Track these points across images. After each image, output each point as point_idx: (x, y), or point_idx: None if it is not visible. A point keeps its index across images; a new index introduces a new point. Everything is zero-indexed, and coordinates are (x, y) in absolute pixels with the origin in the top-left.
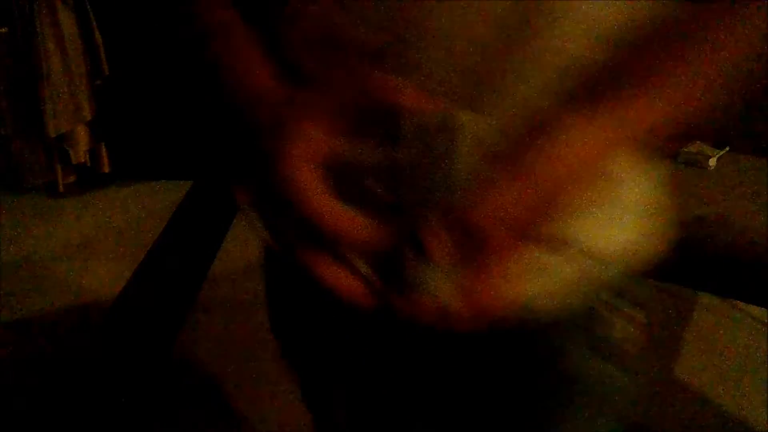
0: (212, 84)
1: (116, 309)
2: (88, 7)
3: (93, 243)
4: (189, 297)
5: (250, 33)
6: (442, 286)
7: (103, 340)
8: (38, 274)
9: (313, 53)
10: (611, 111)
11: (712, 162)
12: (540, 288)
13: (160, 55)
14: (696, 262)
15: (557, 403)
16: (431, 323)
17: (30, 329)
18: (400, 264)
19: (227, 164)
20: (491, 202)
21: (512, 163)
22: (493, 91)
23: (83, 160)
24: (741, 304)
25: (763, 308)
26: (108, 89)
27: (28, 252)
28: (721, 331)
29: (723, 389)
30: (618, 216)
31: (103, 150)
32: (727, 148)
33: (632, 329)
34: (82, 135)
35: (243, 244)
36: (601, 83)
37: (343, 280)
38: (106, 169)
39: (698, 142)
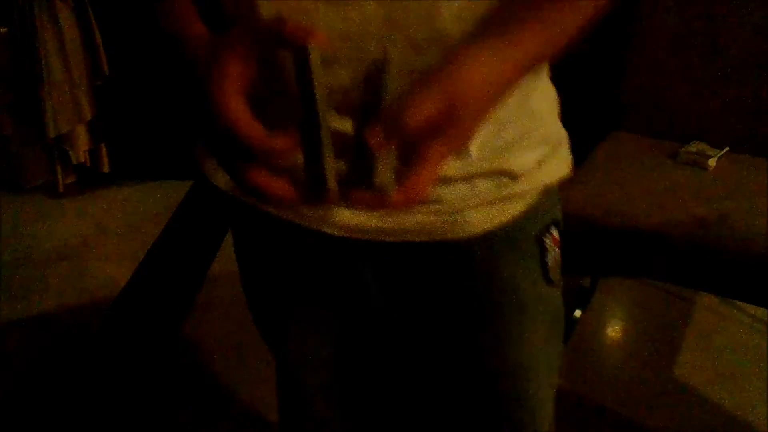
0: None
1: (116, 309)
2: (88, 7)
3: (93, 243)
4: (189, 297)
5: None
6: (383, 177)
7: (103, 339)
8: (38, 274)
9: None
10: (504, 42)
11: (712, 162)
12: (460, 198)
13: (159, 55)
14: (696, 262)
15: (493, 314)
16: (371, 205)
17: (30, 329)
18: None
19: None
20: (416, 112)
21: (431, 82)
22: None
23: (83, 161)
24: (741, 304)
25: (763, 308)
26: (108, 89)
27: (28, 252)
28: (721, 331)
29: (723, 389)
30: (527, 136)
31: (103, 150)
32: (727, 148)
33: (557, 250)
34: (82, 135)
35: None
36: (492, 22)
37: (268, 182)
38: (106, 169)
39: (698, 142)
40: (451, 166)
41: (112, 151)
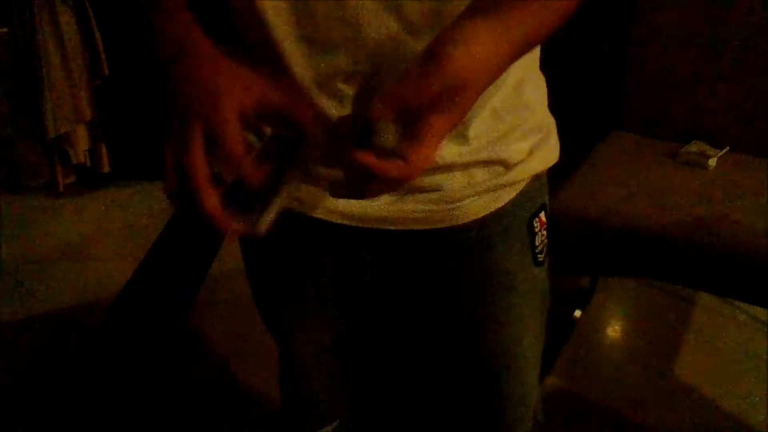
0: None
1: (116, 309)
2: (88, 7)
3: (93, 243)
4: (189, 297)
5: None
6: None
7: (103, 339)
8: (38, 274)
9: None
10: (498, 22)
11: (712, 162)
12: (456, 181)
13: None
14: (696, 262)
15: (487, 295)
16: (381, 173)
17: (30, 329)
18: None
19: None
20: (417, 88)
21: (430, 60)
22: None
23: (83, 160)
24: (741, 304)
25: (763, 308)
26: (108, 89)
27: (28, 252)
28: (721, 331)
29: (723, 389)
30: (520, 126)
31: (103, 150)
32: (727, 148)
33: (544, 233)
34: (81, 135)
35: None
36: (486, 2)
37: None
38: (106, 169)
39: (698, 142)
40: (451, 154)
41: (112, 151)
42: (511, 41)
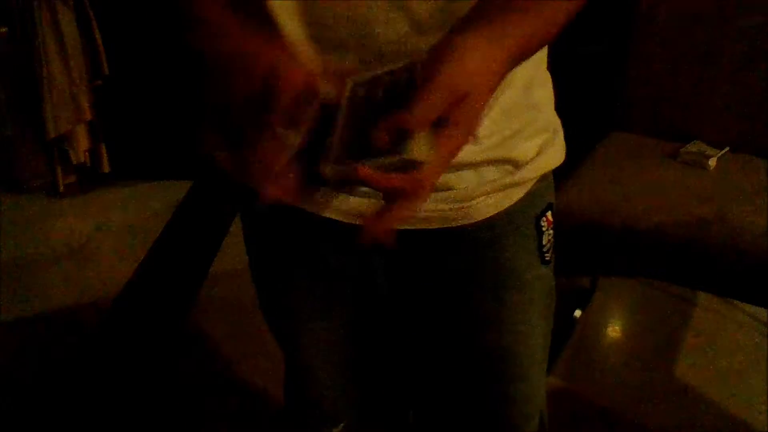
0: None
1: (116, 309)
2: (88, 7)
3: (93, 243)
4: (189, 297)
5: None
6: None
7: (103, 340)
8: (38, 274)
9: None
10: (497, 30)
11: (712, 162)
12: (472, 184)
13: (159, 56)
14: (696, 262)
15: (496, 294)
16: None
17: (30, 329)
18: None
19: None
20: (425, 108)
21: (434, 75)
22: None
23: (83, 161)
24: (741, 304)
25: (763, 308)
26: (108, 89)
27: (28, 252)
28: (721, 331)
29: (723, 389)
30: (529, 125)
31: (103, 150)
32: (727, 148)
33: (551, 231)
34: (81, 135)
35: (243, 245)
36: (483, 10)
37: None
38: (106, 169)
39: (698, 142)
40: (463, 153)
41: (112, 151)
42: (511, 48)
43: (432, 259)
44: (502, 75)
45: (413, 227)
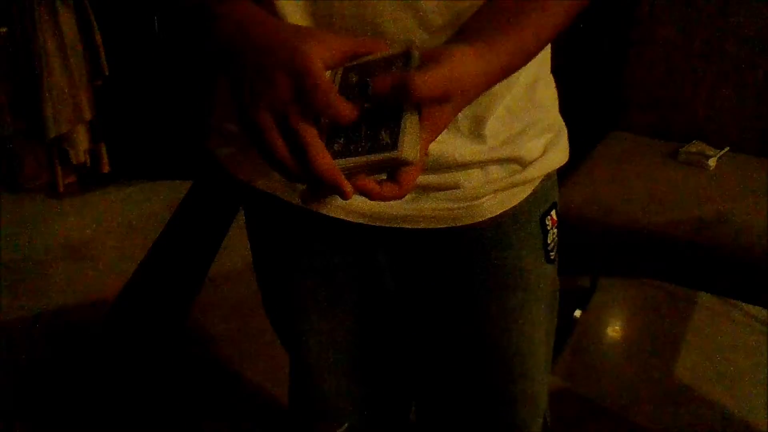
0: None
1: (116, 309)
2: (88, 7)
3: (93, 243)
4: (189, 297)
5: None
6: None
7: (103, 339)
8: (38, 274)
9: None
10: (488, 47)
11: (712, 162)
12: (476, 182)
13: (159, 56)
14: (696, 262)
15: (501, 294)
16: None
17: (30, 329)
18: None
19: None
20: (425, 81)
21: (437, 66)
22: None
23: (83, 161)
24: (741, 304)
25: (763, 308)
26: (108, 89)
27: (28, 252)
28: (721, 331)
29: (723, 389)
30: (534, 125)
31: (103, 150)
32: (727, 148)
33: (555, 231)
34: (81, 135)
35: (243, 244)
36: (478, 25)
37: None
38: (106, 169)
39: (698, 142)
40: (468, 152)
41: (112, 151)
42: (497, 64)
43: (437, 257)
44: (489, 85)
45: (419, 226)
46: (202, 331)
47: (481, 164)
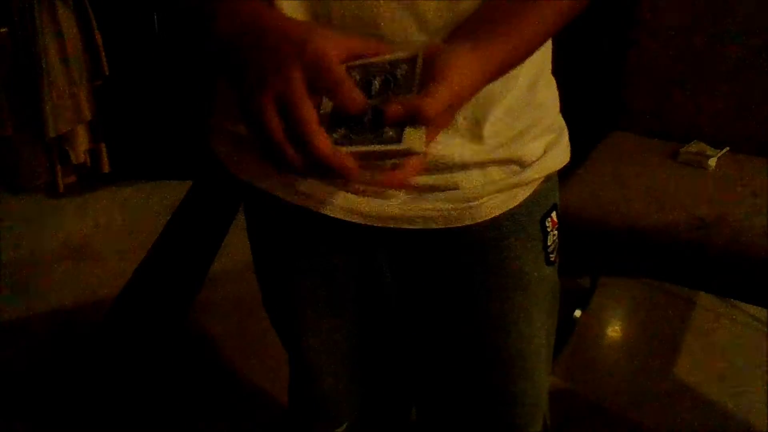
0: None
1: (116, 309)
2: (88, 7)
3: (93, 243)
4: (189, 296)
5: None
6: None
7: (103, 339)
8: (38, 274)
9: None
10: (485, 54)
11: (712, 162)
12: (476, 185)
13: (159, 56)
14: (696, 262)
15: (502, 295)
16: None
17: (30, 329)
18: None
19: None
20: (435, 106)
21: (440, 82)
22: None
23: (83, 160)
24: (741, 304)
25: (763, 308)
26: (108, 89)
27: (28, 252)
28: (721, 331)
29: (723, 389)
30: (535, 126)
31: (103, 150)
32: (727, 148)
33: (555, 233)
34: (81, 135)
35: (243, 244)
36: (475, 24)
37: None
38: (106, 169)
39: (698, 142)
40: (467, 153)
41: (112, 151)
42: (492, 70)
43: (437, 258)
44: (483, 87)
45: (418, 227)
46: (202, 331)
47: (481, 165)
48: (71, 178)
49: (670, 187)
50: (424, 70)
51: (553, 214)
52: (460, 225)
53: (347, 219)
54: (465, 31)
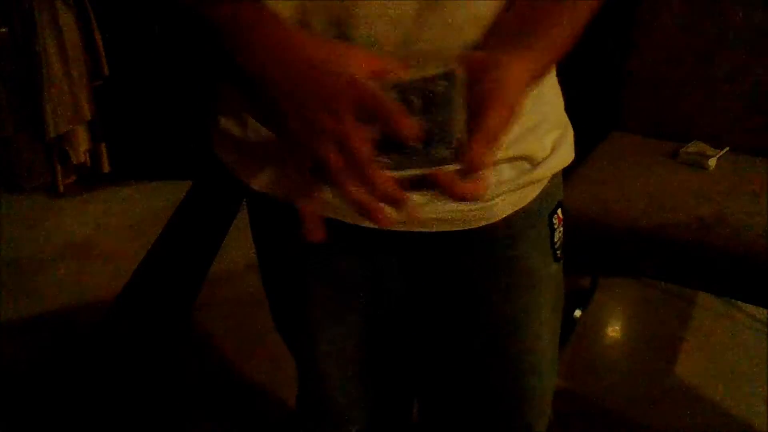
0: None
1: (116, 309)
2: (88, 7)
3: (93, 243)
4: (189, 297)
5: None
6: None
7: (103, 339)
8: (38, 274)
9: None
10: (534, 54)
11: (712, 162)
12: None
13: (159, 56)
14: (696, 262)
15: (512, 293)
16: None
17: (30, 329)
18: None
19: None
20: (501, 125)
21: (498, 95)
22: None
23: (83, 160)
24: (741, 304)
25: (763, 308)
26: (108, 89)
27: (28, 252)
28: (721, 331)
29: (723, 389)
30: (543, 122)
31: (103, 150)
32: (727, 148)
33: (561, 229)
34: (82, 135)
35: (243, 244)
36: (513, 34)
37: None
38: (106, 169)
39: (698, 142)
40: None
41: (112, 151)
42: (541, 69)
43: (449, 259)
44: (532, 86)
45: (433, 230)
46: (202, 331)
47: (493, 164)
48: (71, 178)
49: (670, 187)
50: (470, 86)
51: (559, 211)
52: (473, 227)
53: (356, 223)
54: (503, 35)
